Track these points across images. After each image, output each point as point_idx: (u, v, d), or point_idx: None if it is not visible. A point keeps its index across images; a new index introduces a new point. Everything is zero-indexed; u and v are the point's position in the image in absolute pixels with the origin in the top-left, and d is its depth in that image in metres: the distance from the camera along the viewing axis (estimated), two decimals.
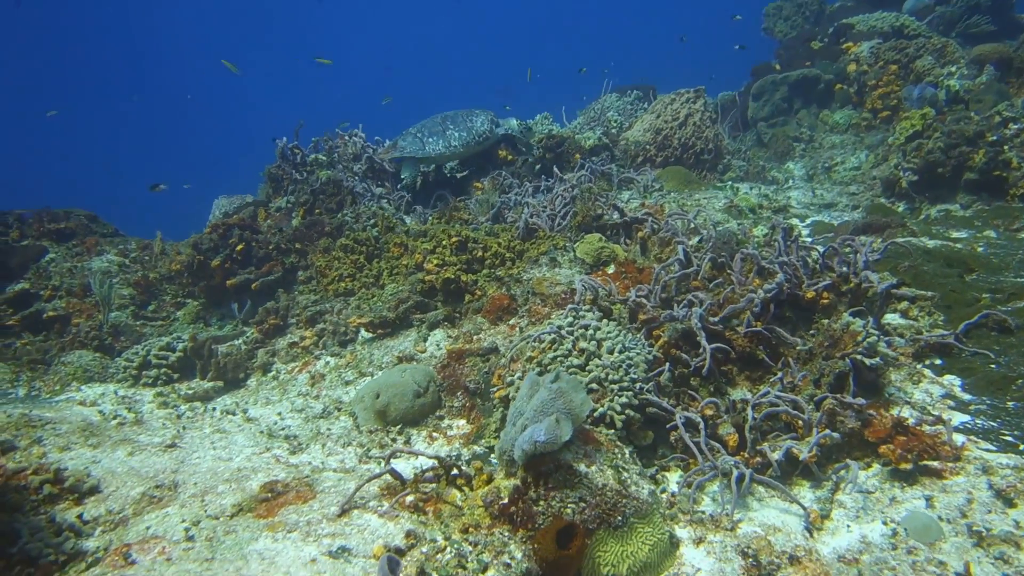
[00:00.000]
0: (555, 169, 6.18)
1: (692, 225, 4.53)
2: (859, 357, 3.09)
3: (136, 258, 7.67)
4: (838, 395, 2.97)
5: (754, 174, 7.87)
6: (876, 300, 3.51)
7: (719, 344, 3.31)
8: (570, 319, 3.55)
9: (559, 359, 3.33)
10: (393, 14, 59.01)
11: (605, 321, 3.53)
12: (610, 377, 3.17)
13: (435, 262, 4.66)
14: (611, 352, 3.30)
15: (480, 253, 4.71)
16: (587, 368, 3.25)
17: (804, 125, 9.33)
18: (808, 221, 5.35)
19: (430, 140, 7.32)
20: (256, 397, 4.38)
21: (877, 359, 3.08)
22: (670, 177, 6.67)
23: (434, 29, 58.30)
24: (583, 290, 3.75)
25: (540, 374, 3.35)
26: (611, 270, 4.36)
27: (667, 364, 3.30)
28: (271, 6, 55.96)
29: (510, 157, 7.30)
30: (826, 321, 3.41)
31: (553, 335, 3.44)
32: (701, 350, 3.28)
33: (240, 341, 5.55)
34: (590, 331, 3.40)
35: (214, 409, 4.15)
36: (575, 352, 3.34)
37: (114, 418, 3.76)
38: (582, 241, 4.52)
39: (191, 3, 53.23)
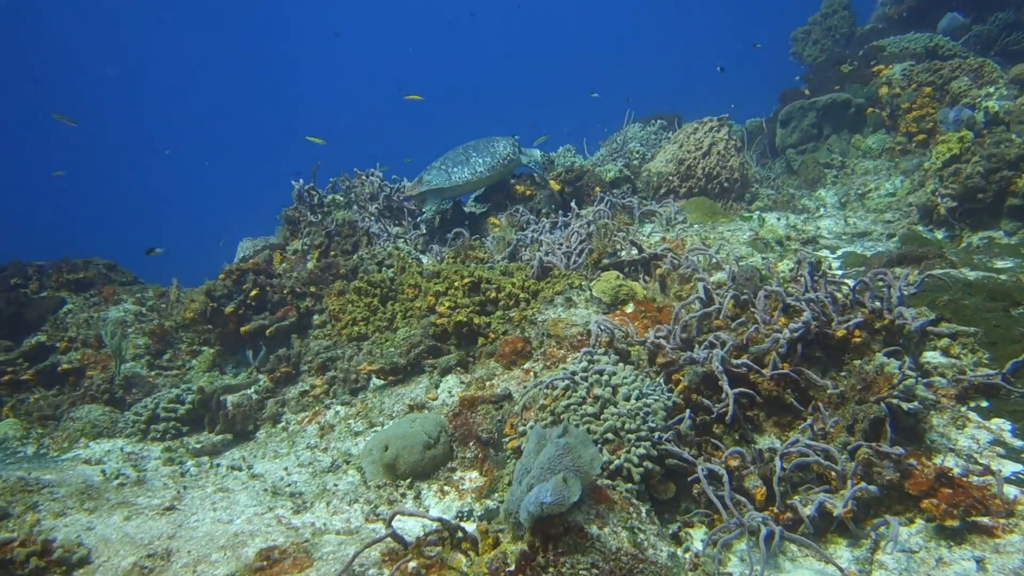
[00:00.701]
0: (572, 204, 6.12)
1: (714, 260, 4.41)
2: (895, 401, 2.92)
3: (153, 306, 7.76)
4: (874, 444, 2.80)
5: (783, 203, 7.72)
6: (913, 338, 3.34)
7: (743, 389, 3.17)
8: (584, 364, 3.45)
9: (572, 407, 3.22)
10: (415, 46, 60.20)
11: (621, 365, 3.41)
12: (627, 426, 3.04)
13: (447, 304, 4.60)
14: (627, 399, 3.18)
15: (493, 294, 4.63)
16: (602, 416, 3.13)
17: (835, 151, 9.17)
18: (839, 252, 5.19)
19: (455, 170, 7.39)
20: (264, 450, 4.32)
21: (915, 403, 2.91)
22: (694, 209, 6.57)
23: (457, 63, 59.27)
24: (598, 332, 3.65)
25: (553, 423, 3.25)
26: (630, 309, 4.25)
27: (687, 411, 3.16)
28: (288, 47, 57.50)
29: (528, 192, 7.27)
30: (858, 362, 3.25)
31: (566, 381, 3.34)
32: (724, 395, 3.15)
33: (252, 390, 5.54)
34: (605, 377, 3.29)
35: (219, 465, 4.10)
36: (589, 399, 3.23)
37: (116, 478, 3.73)
38: (599, 279, 4.42)
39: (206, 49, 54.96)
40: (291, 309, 6.50)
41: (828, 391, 3.18)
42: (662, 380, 3.41)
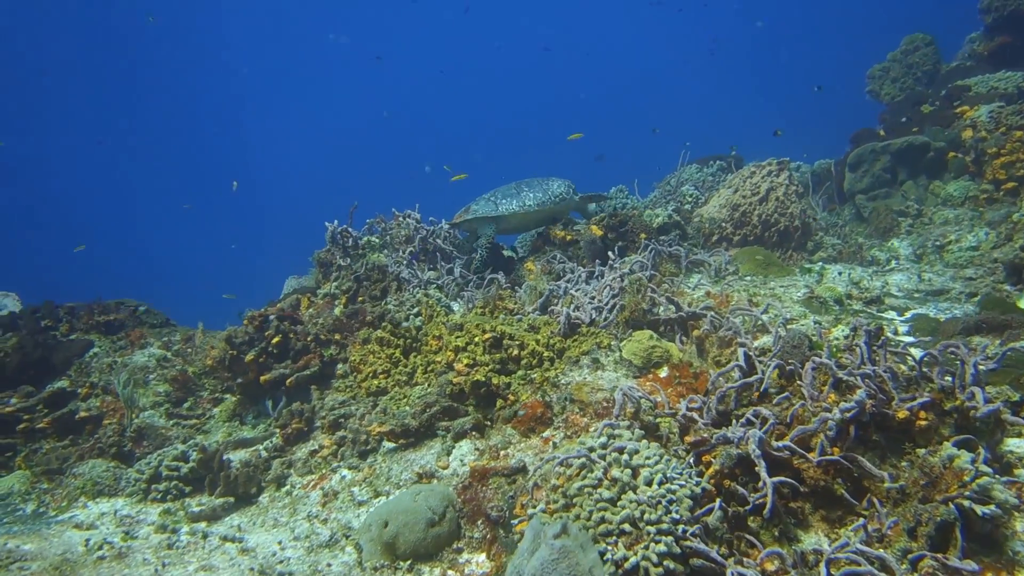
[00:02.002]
0: (608, 253, 5.89)
1: (760, 322, 4.10)
2: (967, 503, 2.56)
3: (178, 351, 7.80)
4: (941, 554, 2.45)
5: (849, 254, 7.32)
6: (989, 423, 2.98)
7: (784, 478, 2.85)
8: (604, 439, 3.19)
9: (587, 490, 2.96)
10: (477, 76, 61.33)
11: (645, 443, 3.14)
12: (647, 516, 2.76)
13: (465, 361, 4.41)
14: (649, 483, 2.90)
15: (516, 351, 4.43)
16: (619, 503, 2.85)
17: (910, 198, 8.71)
18: (908, 315, 4.79)
19: (503, 201, 7.41)
20: (264, 517, 4.17)
21: (993, 507, 2.54)
22: (746, 259, 6.25)
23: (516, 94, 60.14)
24: (622, 401, 3.38)
25: (565, 507, 2.99)
26: (663, 374, 3.98)
27: (718, 500, 2.86)
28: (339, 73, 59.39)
29: (568, 237, 7.09)
30: (921, 452, 2.90)
31: (582, 459, 3.08)
32: (761, 483, 2.83)
33: (264, 446, 5.41)
34: (625, 456, 3.03)
35: (213, 535, 3.95)
36: (606, 481, 2.96)
37: (99, 549, 3.63)
38: (630, 339, 4.17)
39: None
40: (314, 358, 6.41)
41: (885, 484, 2.83)
42: (692, 460, 3.12)
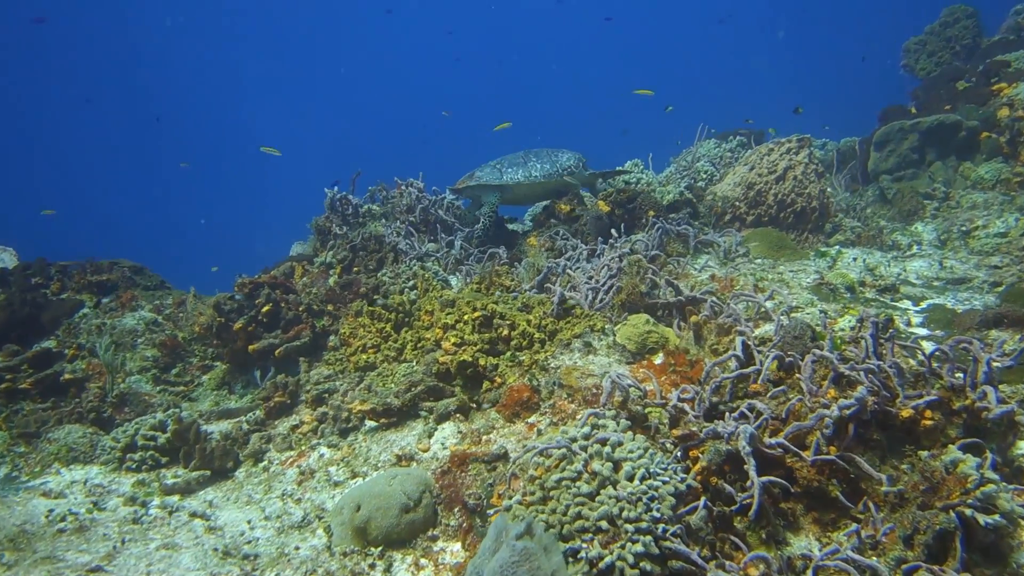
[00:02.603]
0: (612, 231, 5.74)
1: (763, 309, 3.96)
2: (968, 512, 2.44)
3: (170, 315, 7.75)
4: (937, 566, 2.34)
5: (869, 237, 7.11)
6: (1000, 426, 2.84)
7: (773, 478, 2.74)
8: (587, 429, 3.08)
9: (565, 483, 2.86)
10: (495, 44, 60.55)
11: (630, 435, 3.03)
12: (625, 514, 2.66)
13: (453, 340, 4.30)
14: (631, 478, 2.80)
15: (506, 331, 4.31)
16: (597, 499, 2.75)
17: (938, 180, 8.46)
18: (924, 304, 4.62)
19: (509, 170, 7.30)
20: (238, 494, 4.11)
21: (997, 517, 2.42)
22: (759, 240, 6.08)
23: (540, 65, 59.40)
24: (610, 389, 3.27)
25: (542, 500, 2.90)
26: (659, 360, 3.86)
27: (703, 499, 2.75)
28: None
29: (573, 212, 6.93)
30: (924, 454, 2.77)
31: (563, 449, 2.97)
32: (749, 483, 2.73)
33: (246, 418, 5.36)
34: (607, 448, 2.91)
35: (182, 509, 3.90)
36: (586, 475, 2.86)
37: (61, 521, 3.58)
38: (625, 323, 4.05)
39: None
40: (305, 328, 6.33)
41: (883, 487, 2.71)
42: (680, 455, 3.01)
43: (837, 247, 6.70)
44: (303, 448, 4.42)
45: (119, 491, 4.23)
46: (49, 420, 5.53)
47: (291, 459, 4.35)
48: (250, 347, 6.17)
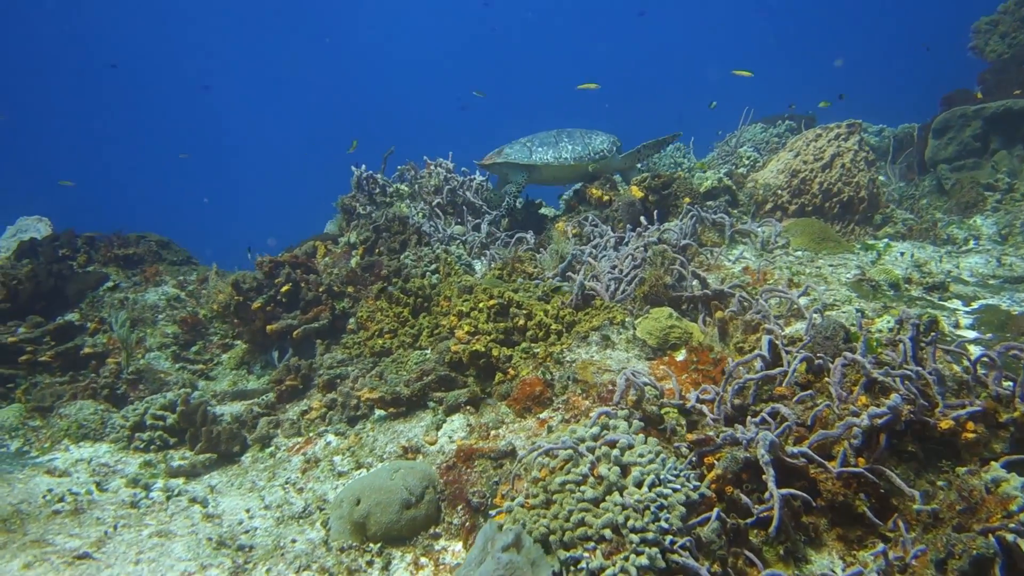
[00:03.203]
0: (641, 219, 5.55)
1: (795, 306, 3.77)
2: (1010, 537, 2.26)
3: (193, 292, 7.80)
4: None
5: (922, 230, 6.81)
6: None
7: (793, 491, 2.58)
8: (596, 429, 2.95)
9: (569, 487, 2.74)
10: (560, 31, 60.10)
11: (642, 437, 2.89)
12: (631, 523, 2.53)
13: (466, 328, 4.20)
14: (639, 485, 2.66)
15: (522, 321, 4.19)
16: (602, 505, 2.63)
17: (1002, 170, 8.06)
18: (976, 305, 4.35)
19: (539, 149, 7.17)
20: (243, 480, 4.08)
21: None
22: (800, 231, 5.84)
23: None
24: (624, 387, 3.13)
25: (545, 503, 2.79)
26: (680, 357, 3.70)
27: (716, 509, 2.60)
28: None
29: (605, 197, 6.75)
30: (963, 470, 2.58)
31: (569, 450, 2.85)
32: (768, 494, 2.57)
33: (258, 401, 5.33)
34: (616, 451, 2.78)
35: (183, 494, 3.89)
36: (592, 479, 2.73)
37: (58, 501, 3.59)
38: (646, 316, 3.89)
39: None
40: (324, 310, 6.30)
41: (915, 505, 2.53)
42: (695, 459, 2.87)
43: (886, 240, 6.42)
44: (311, 435, 4.38)
45: (124, 471, 4.24)
46: (64, 394, 5.59)
47: (298, 445, 4.31)
48: (268, 327, 6.15)
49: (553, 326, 4.14)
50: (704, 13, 57.59)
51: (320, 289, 6.45)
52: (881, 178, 9.01)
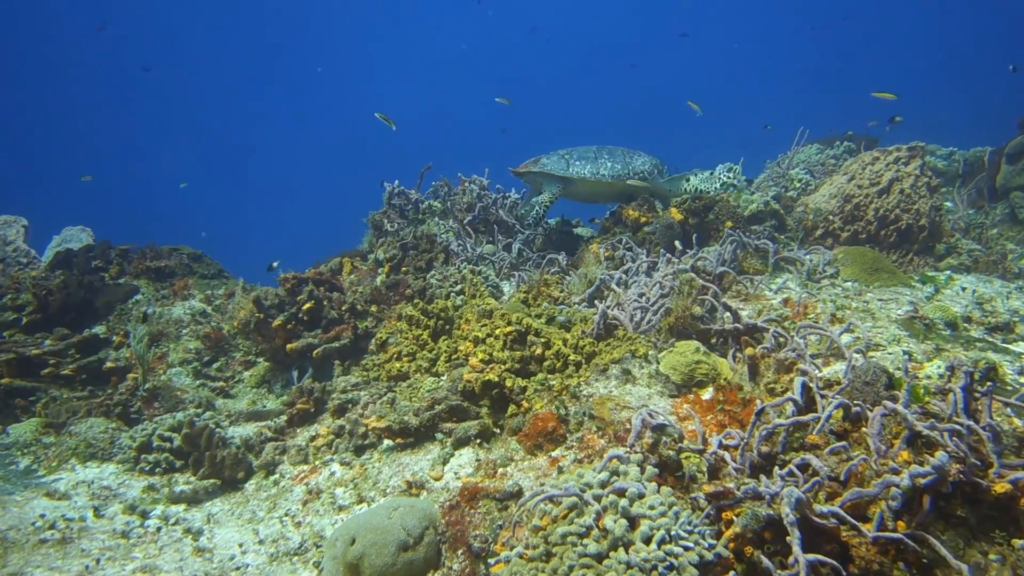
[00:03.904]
0: (677, 243, 5.33)
1: (835, 345, 3.51)
2: None
3: (219, 306, 7.81)
4: None
5: (989, 263, 6.42)
6: None
7: (822, 557, 2.34)
8: (605, 475, 2.76)
9: (571, 539, 2.54)
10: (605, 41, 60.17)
11: (654, 486, 2.68)
12: None
13: (480, 356, 4.03)
14: (648, 540, 2.46)
15: (539, 350, 4.01)
16: (605, 562, 2.43)
17: None
18: None
19: (577, 163, 7.04)
20: (243, 509, 3.98)
21: None
22: (851, 260, 5.53)
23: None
24: (640, 428, 2.92)
25: (545, 556, 2.60)
26: (707, 396, 3.47)
27: (732, 573, 2.38)
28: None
29: (643, 219, 6.54)
30: (1019, 543, 2.31)
31: (573, 497, 2.66)
32: (793, 559, 2.33)
33: (270, 424, 5.23)
34: (625, 501, 2.58)
35: (180, 523, 3.80)
36: (596, 531, 2.53)
37: (49, 528, 3.54)
38: (671, 350, 3.67)
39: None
40: (346, 329, 6.21)
41: None
42: (713, 512, 2.64)
43: (948, 272, 6.06)
44: (317, 463, 4.25)
45: (125, 496, 4.17)
46: (79, 410, 5.58)
47: (303, 474, 4.19)
48: (288, 346, 6.09)
49: (572, 356, 3.95)
50: (749, 30, 57.15)
51: (343, 308, 6.37)
52: (948, 204, 8.59)
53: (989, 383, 2.80)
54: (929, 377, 3.15)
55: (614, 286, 4.80)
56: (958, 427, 2.53)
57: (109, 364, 6.44)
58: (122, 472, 4.53)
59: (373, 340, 5.92)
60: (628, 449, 2.93)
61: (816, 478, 2.53)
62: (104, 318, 7.57)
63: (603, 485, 2.71)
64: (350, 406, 4.66)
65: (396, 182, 8.23)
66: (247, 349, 6.94)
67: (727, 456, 2.84)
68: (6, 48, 51.19)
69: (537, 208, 7.32)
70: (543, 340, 4.05)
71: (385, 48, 60.79)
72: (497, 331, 4.17)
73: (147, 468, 4.54)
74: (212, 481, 4.29)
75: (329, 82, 59.86)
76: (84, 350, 6.68)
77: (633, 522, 2.53)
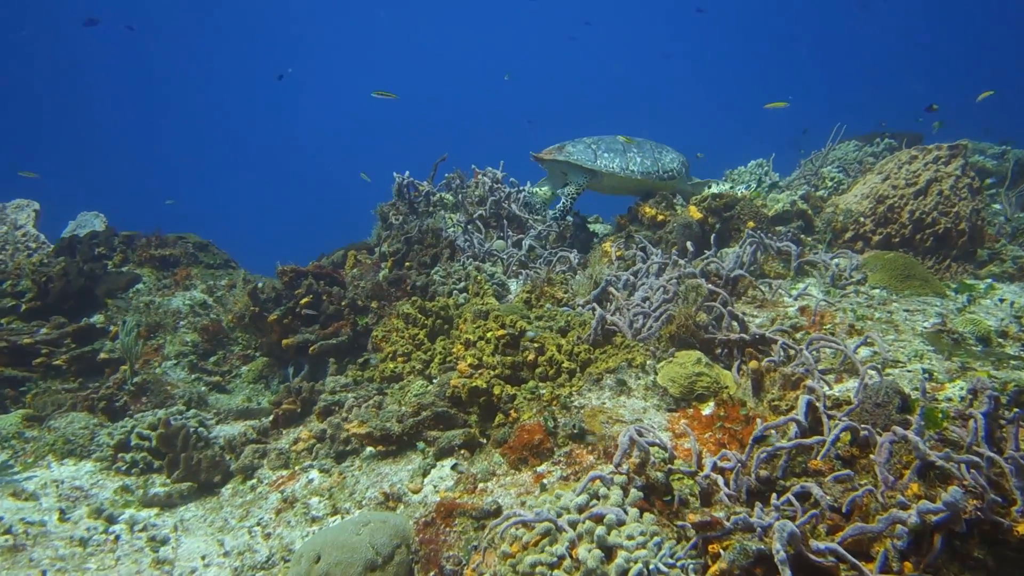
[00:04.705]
0: (688, 244, 5.11)
1: (848, 360, 3.28)
2: None
3: (220, 297, 7.74)
4: None
5: None
6: None
7: None
8: (584, 498, 2.58)
9: (541, 570, 2.37)
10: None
11: (635, 512, 2.50)
12: None
13: (469, 361, 3.87)
14: (623, 574, 2.27)
15: (532, 356, 3.83)
16: None
17: None
18: None
19: (605, 155, 6.81)
20: (216, 516, 3.87)
21: None
22: (881, 266, 5.26)
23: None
24: (627, 447, 2.74)
25: None
26: (707, 411, 3.27)
27: None
28: None
29: (660, 217, 6.32)
30: None
31: (546, 522, 2.48)
32: None
33: (252, 424, 5.12)
34: (602, 529, 2.40)
35: (140, 531, 3.67)
36: (568, 561, 2.36)
37: (3, 534, 3.40)
38: (670, 361, 3.48)
39: None
40: (345, 325, 6.09)
41: None
42: (699, 542, 2.45)
43: (989, 281, 5.75)
44: (296, 468, 4.12)
45: (97, 497, 4.08)
46: (65, 403, 5.52)
47: (281, 480, 4.06)
48: (284, 341, 5.99)
49: (565, 364, 3.77)
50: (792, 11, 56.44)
51: (343, 303, 6.25)
52: (996, 207, 8.23)
53: (1017, 409, 2.57)
54: (950, 400, 2.91)
55: (613, 289, 4.59)
56: (977, 459, 2.31)
57: (103, 355, 6.38)
58: (98, 471, 4.45)
59: (370, 338, 5.78)
60: (614, 468, 2.75)
61: (814, 511, 2.34)
62: (104, 307, 7.53)
63: (581, 509, 2.54)
64: (336, 408, 4.53)
65: (407, 173, 8.09)
66: (246, 343, 6.85)
67: (720, 480, 2.65)
68: (35, 39, 52.40)
69: (564, 200, 7.08)
70: (537, 345, 3.87)
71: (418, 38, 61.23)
72: (488, 334, 4.01)
73: (124, 468, 4.45)
74: (188, 484, 4.19)
75: (357, 68, 60.40)
76: (80, 339, 6.63)
77: (609, 552, 2.35)
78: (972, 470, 2.29)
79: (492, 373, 3.78)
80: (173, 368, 6.51)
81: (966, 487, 2.25)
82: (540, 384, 3.71)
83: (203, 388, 6.22)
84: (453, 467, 3.51)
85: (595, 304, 4.49)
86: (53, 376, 6.21)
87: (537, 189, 7.85)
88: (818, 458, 2.63)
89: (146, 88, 57.08)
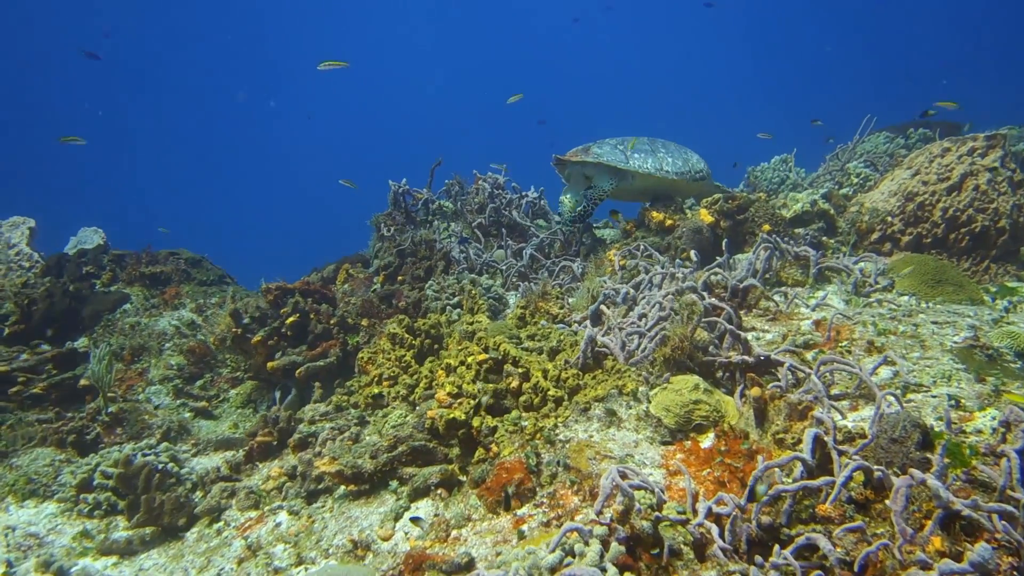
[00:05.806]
0: (692, 253, 4.82)
1: (864, 383, 2.99)
2: None
3: (209, 317, 7.57)
4: None
5: None
6: None
7: None
8: (556, 556, 2.32)
9: None
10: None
11: (614, 572, 2.23)
12: None
13: (448, 389, 3.62)
14: None
15: (516, 383, 3.57)
16: None
17: None
18: None
19: (636, 156, 6.55)
20: (175, 566, 3.64)
21: None
22: (910, 269, 4.94)
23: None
24: (609, 491, 2.48)
25: None
26: (707, 442, 3.00)
27: None
28: None
29: (669, 222, 6.03)
30: None
31: None
32: None
33: (220, 458, 4.89)
34: None
35: None
36: None
37: None
38: (665, 387, 3.20)
39: None
40: (334, 345, 5.88)
41: None
42: None
43: None
44: (266, 509, 3.89)
45: (52, 545, 3.88)
46: (35, 437, 5.34)
47: (249, 523, 3.83)
48: (269, 364, 5.78)
49: (551, 391, 3.51)
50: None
51: (332, 321, 6.04)
52: None
53: None
54: (979, 432, 2.60)
55: (604, 307, 4.32)
56: (1011, 508, 2.02)
57: (84, 382, 6.20)
58: (59, 514, 4.25)
59: (357, 360, 5.56)
60: (594, 517, 2.49)
61: (820, 572, 2.06)
62: (90, 329, 7.39)
63: (553, 569, 2.28)
64: (312, 440, 4.30)
65: (403, 180, 7.88)
66: (235, 364, 6.67)
67: (713, 529, 2.37)
68: (42, 51, 53.33)
69: (586, 204, 6.78)
70: (521, 371, 3.62)
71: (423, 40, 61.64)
72: (470, 359, 3.76)
73: (86, 510, 4.25)
74: (151, 529, 3.97)
75: (362, 78, 60.94)
76: (62, 365, 6.47)
77: None
78: (1004, 520, 2.00)
79: (471, 403, 3.52)
80: (158, 393, 6.34)
81: (998, 541, 1.96)
82: (523, 415, 3.46)
83: (187, 414, 6.03)
84: (415, 521, 3.26)
85: (588, 323, 4.22)
86: (31, 405, 6.04)
87: (563, 198, 7.58)
88: (827, 503, 2.34)
89: (155, 104, 58.02)
